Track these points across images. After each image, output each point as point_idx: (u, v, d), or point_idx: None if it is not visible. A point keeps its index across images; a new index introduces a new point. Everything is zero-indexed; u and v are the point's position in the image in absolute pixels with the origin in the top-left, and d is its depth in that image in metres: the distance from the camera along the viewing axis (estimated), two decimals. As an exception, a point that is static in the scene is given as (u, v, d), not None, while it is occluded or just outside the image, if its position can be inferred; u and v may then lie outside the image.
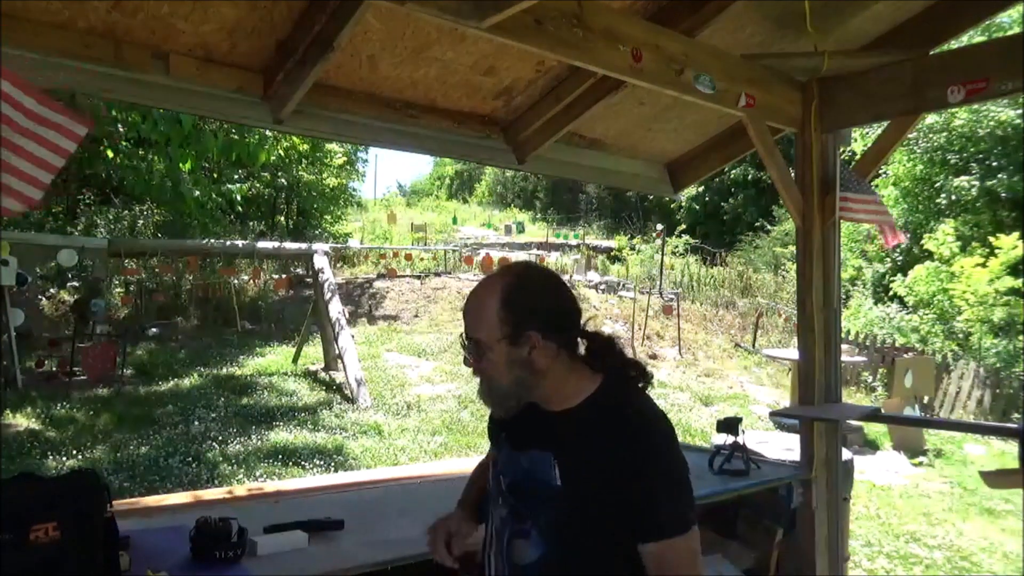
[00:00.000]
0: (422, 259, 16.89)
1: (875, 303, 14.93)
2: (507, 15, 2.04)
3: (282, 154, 12.17)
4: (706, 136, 3.86)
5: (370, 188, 58.48)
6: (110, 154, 8.90)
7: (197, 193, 9.46)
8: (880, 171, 13.40)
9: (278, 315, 12.97)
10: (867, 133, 13.24)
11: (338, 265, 15.66)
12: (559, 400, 1.50)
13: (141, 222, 14.53)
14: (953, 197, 13.87)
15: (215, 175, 13.67)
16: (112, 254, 10.74)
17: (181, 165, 8.40)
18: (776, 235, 20.03)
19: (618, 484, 1.39)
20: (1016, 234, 11.85)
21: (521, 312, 1.45)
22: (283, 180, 17.02)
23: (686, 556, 1.40)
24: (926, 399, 9.95)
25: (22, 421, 7.12)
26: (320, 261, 10.11)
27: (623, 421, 1.44)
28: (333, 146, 17.41)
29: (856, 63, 3.09)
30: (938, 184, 14.36)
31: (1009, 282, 11.54)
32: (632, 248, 20.19)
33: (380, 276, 15.21)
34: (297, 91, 2.51)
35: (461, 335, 1.53)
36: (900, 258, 15.23)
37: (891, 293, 14.45)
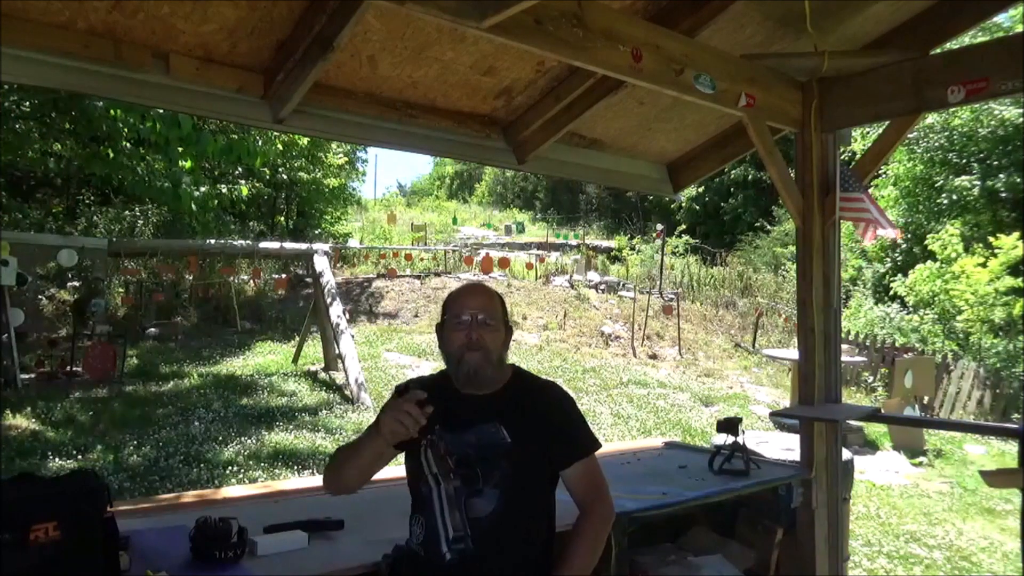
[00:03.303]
0: (422, 259, 16.89)
1: (875, 303, 14.93)
2: (507, 15, 2.04)
3: (281, 149, 12.17)
4: (706, 136, 3.85)
5: (370, 188, 58.45)
6: (110, 154, 8.89)
7: (198, 192, 9.45)
8: (880, 171, 13.41)
9: (278, 315, 12.97)
10: (867, 133, 13.23)
11: (338, 265, 15.66)
12: (494, 383, 1.94)
13: (141, 222, 14.53)
14: (954, 197, 13.86)
15: (215, 175, 13.68)
16: (112, 254, 10.74)
17: (181, 163, 8.39)
18: (776, 235, 20.03)
19: (549, 426, 1.91)
20: (1016, 234, 11.83)
21: (507, 315, 2.02)
22: (283, 177, 17.00)
23: (600, 468, 1.99)
24: (926, 399, 9.95)
25: (22, 421, 7.11)
26: (320, 263, 10.07)
27: (541, 387, 2.02)
28: (332, 145, 17.41)
29: (856, 63, 3.08)
30: (938, 184, 14.35)
31: (1009, 282, 11.53)
32: (632, 248, 20.20)
33: (380, 276, 15.22)
34: (297, 91, 2.50)
35: (469, 315, 1.90)
36: (900, 258, 15.23)
37: (891, 293, 14.44)
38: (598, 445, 1.98)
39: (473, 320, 1.90)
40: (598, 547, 1.91)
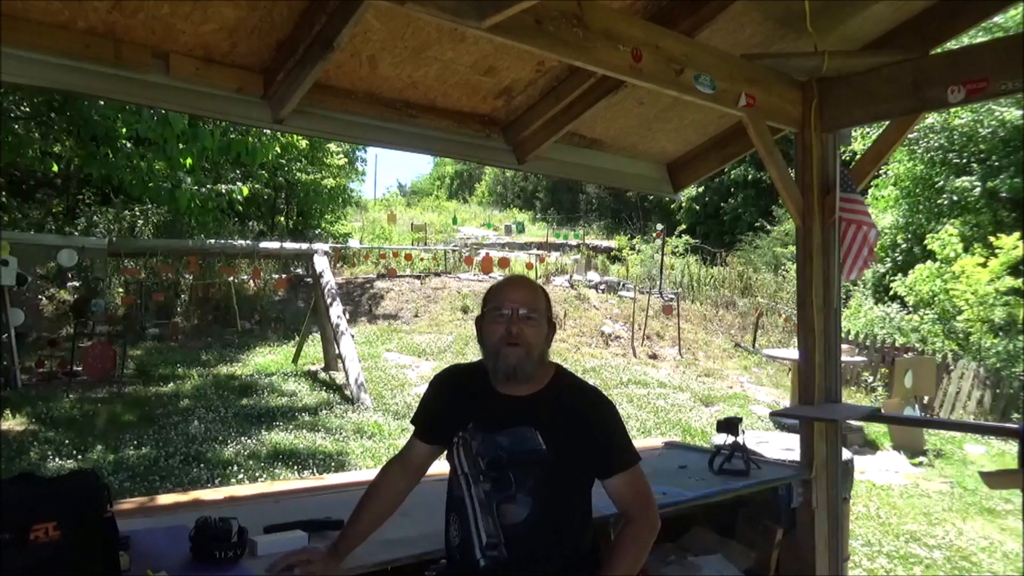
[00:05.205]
0: (422, 259, 16.89)
1: (875, 303, 14.93)
2: (507, 15, 2.04)
3: (279, 151, 12.15)
4: (706, 136, 3.85)
5: (370, 188, 58.46)
6: (109, 155, 8.89)
7: (201, 190, 9.45)
8: (880, 171, 13.41)
9: (278, 315, 12.97)
10: (867, 133, 13.23)
11: (338, 265, 15.66)
12: (534, 383, 1.85)
13: (141, 222, 14.52)
14: (954, 198, 13.85)
15: (215, 176, 13.67)
16: (112, 254, 10.73)
17: (182, 160, 8.38)
18: (776, 235, 20.03)
19: (589, 437, 1.82)
20: (1016, 234, 11.83)
21: (551, 310, 1.93)
22: (282, 179, 17.00)
23: (644, 478, 1.90)
24: (926, 399, 9.95)
25: (22, 421, 7.12)
26: (320, 263, 10.07)
27: (584, 393, 1.92)
28: (332, 145, 17.40)
29: (856, 63, 3.08)
30: (939, 184, 14.34)
31: (1009, 282, 11.52)
32: (632, 248, 20.19)
33: (380, 276, 15.22)
34: (297, 91, 2.50)
35: (510, 308, 1.83)
36: (900, 258, 15.23)
37: (891, 293, 14.44)
38: (639, 458, 1.90)
39: (514, 313, 1.81)
40: (643, 555, 1.84)
